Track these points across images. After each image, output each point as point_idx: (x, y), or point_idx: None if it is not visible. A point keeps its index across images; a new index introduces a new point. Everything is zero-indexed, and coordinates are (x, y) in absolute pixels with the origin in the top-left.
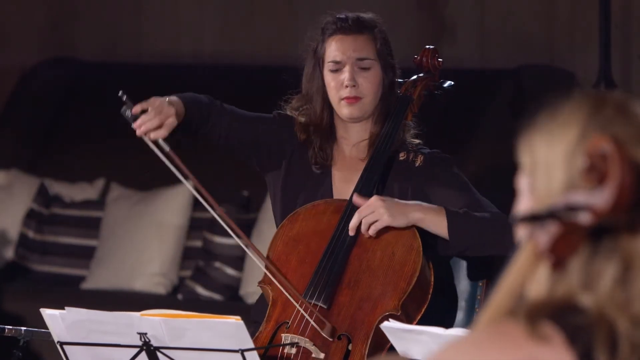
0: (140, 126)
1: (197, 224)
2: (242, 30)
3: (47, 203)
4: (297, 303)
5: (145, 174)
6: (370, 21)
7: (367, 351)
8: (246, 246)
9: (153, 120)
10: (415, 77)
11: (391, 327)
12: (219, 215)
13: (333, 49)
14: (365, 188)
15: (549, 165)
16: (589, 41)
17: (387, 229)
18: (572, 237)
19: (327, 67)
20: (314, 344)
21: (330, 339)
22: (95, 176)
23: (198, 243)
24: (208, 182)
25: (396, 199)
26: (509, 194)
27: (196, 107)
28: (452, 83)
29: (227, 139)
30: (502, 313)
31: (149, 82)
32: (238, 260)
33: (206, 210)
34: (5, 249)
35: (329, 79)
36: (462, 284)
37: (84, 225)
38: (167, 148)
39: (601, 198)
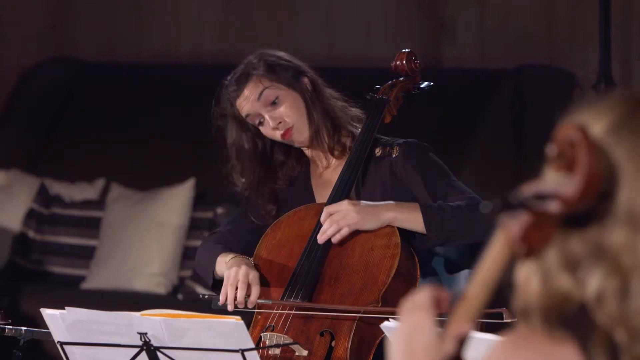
0: (238, 304)
1: (197, 224)
2: (242, 30)
3: (47, 203)
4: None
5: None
6: (245, 68)
7: (350, 346)
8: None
9: (240, 291)
10: (393, 80)
11: (391, 327)
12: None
13: (241, 110)
14: (341, 189)
15: None
16: (589, 41)
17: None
18: (543, 226)
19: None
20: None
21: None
22: (95, 176)
23: (198, 243)
24: (212, 183)
25: (367, 202)
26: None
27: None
28: (432, 84)
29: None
30: (478, 305)
31: (149, 82)
32: None
33: (206, 210)
34: (6, 249)
35: (262, 132)
36: (461, 283)
37: (84, 225)
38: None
39: (569, 186)
